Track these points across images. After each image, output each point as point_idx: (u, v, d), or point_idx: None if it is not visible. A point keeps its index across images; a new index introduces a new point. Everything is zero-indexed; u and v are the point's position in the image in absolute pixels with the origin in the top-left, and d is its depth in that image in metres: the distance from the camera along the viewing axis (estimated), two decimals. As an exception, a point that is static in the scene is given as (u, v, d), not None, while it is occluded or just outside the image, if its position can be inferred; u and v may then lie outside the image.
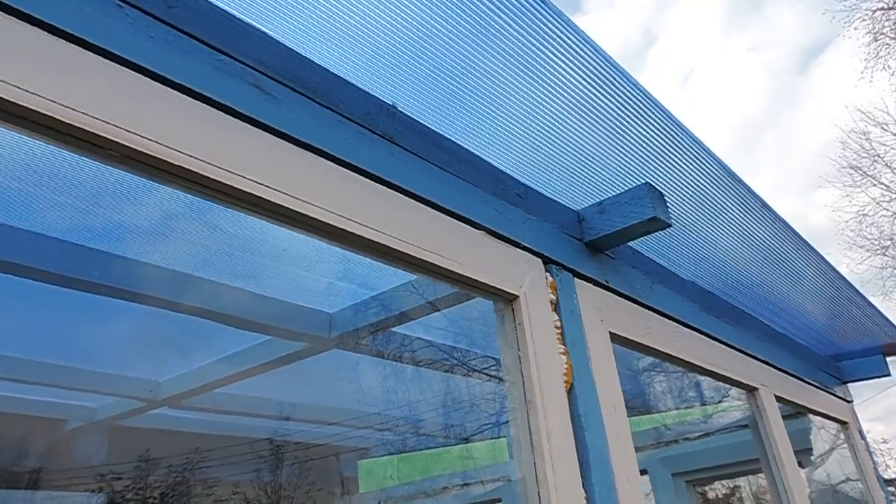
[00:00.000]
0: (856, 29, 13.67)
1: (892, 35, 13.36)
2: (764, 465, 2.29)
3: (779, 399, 2.53)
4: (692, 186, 1.89)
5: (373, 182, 1.18)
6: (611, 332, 1.62)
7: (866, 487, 2.99)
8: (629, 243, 1.94)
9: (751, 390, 2.33)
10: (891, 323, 3.03)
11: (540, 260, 1.49)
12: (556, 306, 1.47)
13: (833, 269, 2.57)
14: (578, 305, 1.54)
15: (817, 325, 3.06)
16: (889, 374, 3.20)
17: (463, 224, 1.34)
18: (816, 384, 2.94)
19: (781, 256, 2.41)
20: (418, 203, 1.25)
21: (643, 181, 1.65)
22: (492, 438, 4.82)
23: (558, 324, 1.44)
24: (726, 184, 1.91)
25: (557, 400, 1.31)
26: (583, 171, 1.76)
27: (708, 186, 1.90)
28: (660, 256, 2.14)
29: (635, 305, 1.80)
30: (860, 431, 3.17)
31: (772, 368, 2.52)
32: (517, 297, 1.36)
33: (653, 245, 2.10)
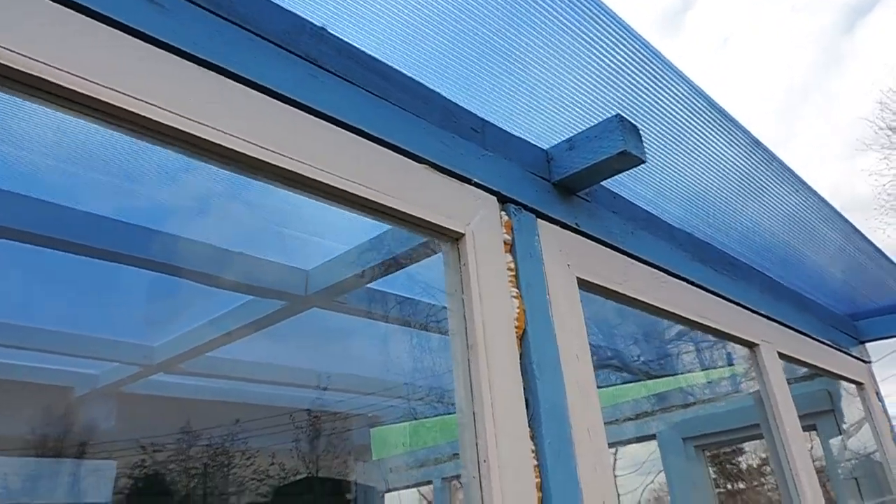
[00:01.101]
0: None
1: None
2: (764, 428, 2.16)
3: (784, 357, 2.38)
4: (677, 124, 1.74)
5: (291, 107, 1.08)
6: (579, 278, 1.50)
7: (882, 451, 2.84)
8: (609, 188, 1.81)
9: (750, 346, 2.18)
10: (912, 278, 2.84)
11: (495, 198, 1.37)
12: (511, 247, 1.35)
13: (845, 220, 2.39)
14: (540, 248, 1.42)
15: (831, 282, 2.88)
16: (909, 333, 3.01)
17: (402, 157, 1.22)
18: (829, 343, 2.77)
19: (785, 205, 2.24)
20: (347, 132, 1.14)
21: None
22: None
23: (512, 265, 1.32)
24: (715, 120, 1.76)
25: (504, 346, 1.21)
26: (553, 106, 1.63)
27: (694, 123, 1.75)
28: (647, 203, 1.99)
29: (612, 251, 1.67)
30: (877, 393, 3.00)
31: (775, 324, 2.37)
32: (462, 235, 1.25)
33: (639, 191, 1.96)
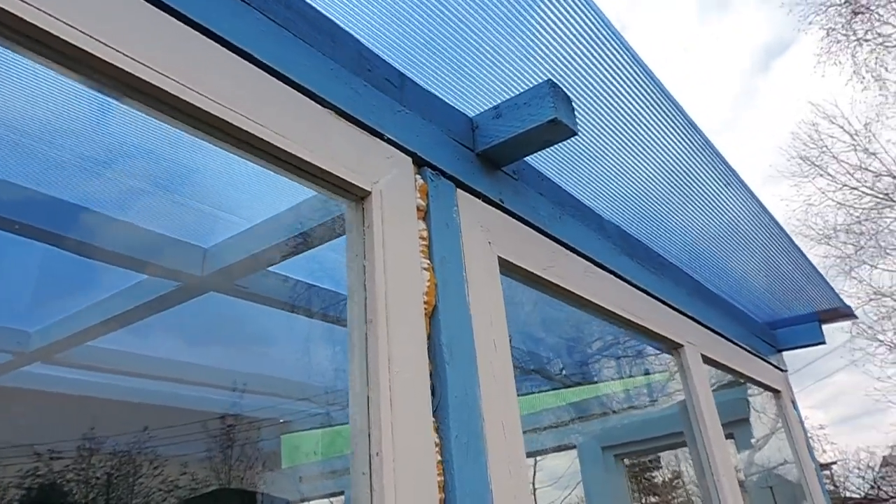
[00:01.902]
0: (810, 23, 13.76)
1: (843, 31, 13.49)
2: (686, 432, 2.08)
3: (708, 361, 2.32)
4: (615, 102, 1.64)
5: (177, 21, 0.88)
6: (500, 258, 1.35)
7: (797, 458, 2.84)
8: (539, 169, 1.68)
9: (675, 347, 2.10)
10: (829, 285, 2.87)
11: (410, 159, 1.21)
12: (425, 214, 1.19)
13: (772, 218, 2.37)
14: (459, 220, 1.26)
15: (755, 289, 2.88)
16: (824, 342, 3.05)
17: (303, 96, 1.04)
18: (750, 349, 2.75)
19: (719, 205, 2.19)
20: (238, 56, 0.95)
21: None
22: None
23: (425, 234, 1.16)
24: (656, 102, 1.66)
25: (410, 322, 1.04)
26: (481, 71, 1.48)
27: (631, 100, 1.64)
28: (577, 190, 1.88)
29: (538, 234, 1.54)
30: (793, 402, 3.01)
31: (700, 326, 2.31)
32: (369, 193, 1.08)
33: (570, 178, 1.84)
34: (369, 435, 0.92)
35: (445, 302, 1.12)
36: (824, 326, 3.10)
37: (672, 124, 1.69)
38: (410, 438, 0.94)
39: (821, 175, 14.05)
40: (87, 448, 4.98)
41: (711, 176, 1.94)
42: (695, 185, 1.97)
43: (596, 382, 3.73)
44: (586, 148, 1.78)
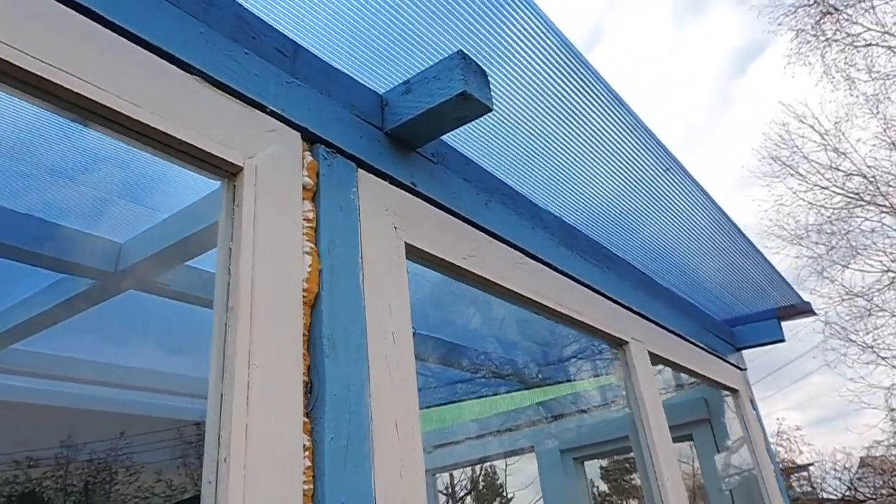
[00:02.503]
0: (780, 25, 13.87)
1: (812, 32, 13.63)
2: (630, 433, 1.99)
3: (658, 358, 2.24)
4: (544, 81, 1.54)
5: None
6: (410, 245, 1.25)
7: (755, 458, 2.77)
8: (465, 154, 1.58)
9: (619, 344, 2.01)
10: (786, 282, 2.81)
11: (299, 135, 1.10)
12: (314, 195, 1.08)
13: (724, 214, 2.30)
14: (357, 202, 1.16)
15: (710, 285, 2.80)
16: (783, 340, 2.98)
17: (163, 60, 0.93)
18: (705, 347, 2.68)
19: (668, 198, 2.11)
20: (73, 11, 0.84)
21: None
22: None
23: (311, 216, 1.05)
24: (587, 86, 1.57)
25: (281, 311, 0.93)
26: (395, 46, 1.38)
27: (566, 87, 1.55)
28: (513, 178, 1.79)
29: (459, 222, 1.44)
30: (752, 401, 2.94)
31: (649, 323, 2.23)
32: (241, 169, 0.97)
33: (504, 164, 1.75)
34: (219, 438, 0.80)
35: (331, 290, 1.02)
36: (785, 323, 3.04)
37: (600, 103, 1.60)
38: (270, 442, 0.83)
39: (791, 175, 14.17)
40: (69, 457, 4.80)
41: (651, 163, 1.85)
42: (636, 173, 1.89)
43: (556, 383, 3.64)
44: (519, 132, 1.69)
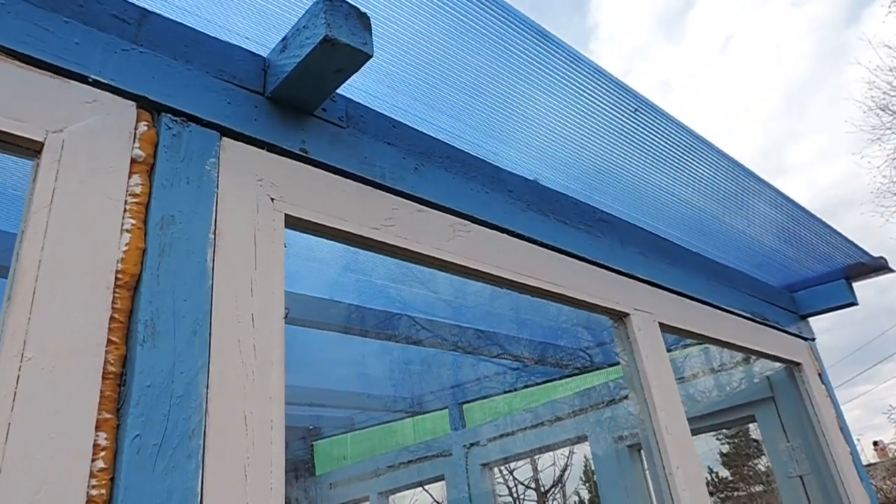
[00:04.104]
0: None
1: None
2: (638, 422, 1.75)
3: (675, 330, 1.97)
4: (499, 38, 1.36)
5: None
6: (291, 216, 1.12)
7: (824, 441, 2.40)
8: (393, 115, 1.43)
9: (619, 317, 1.78)
10: (849, 241, 2.41)
11: (134, 104, 1.00)
12: (150, 168, 0.98)
13: (746, 170, 1.98)
14: (216, 174, 1.04)
15: (759, 248, 2.46)
16: (855, 303, 2.58)
17: (-51, 37, 0.86)
18: (751, 316, 2.35)
19: (674, 155, 1.84)
20: None
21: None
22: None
23: (140, 190, 0.94)
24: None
25: (78, 296, 0.83)
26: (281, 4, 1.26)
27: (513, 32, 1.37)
28: (472, 141, 1.61)
29: (369, 189, 1.29)
30: (821, 374, 2.56)
31: (662, 291, 1.96)
32: (42, 145, 0.88)
33: (460, 127, 1.58)
34: (-27, 440, 0.71)
35: (158, 270, 0.91)
36: (855, 284, 2.62)
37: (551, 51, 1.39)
38: (42, 442, 0.73)
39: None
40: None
41: (659, 131, 1.61)
42: (626, 129, 1.65)
43: (609, 365, 3.38)
44: (478, 87, 1.52)
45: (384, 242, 1.25)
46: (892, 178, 12.99)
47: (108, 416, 0.80)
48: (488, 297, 3.17)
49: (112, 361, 0.83)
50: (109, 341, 0.83)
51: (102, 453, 0.78)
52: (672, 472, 1.59)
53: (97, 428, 0.78)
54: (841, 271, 2.56)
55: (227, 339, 0.94)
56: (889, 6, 13.44)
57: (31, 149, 0.88)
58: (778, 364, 2.65)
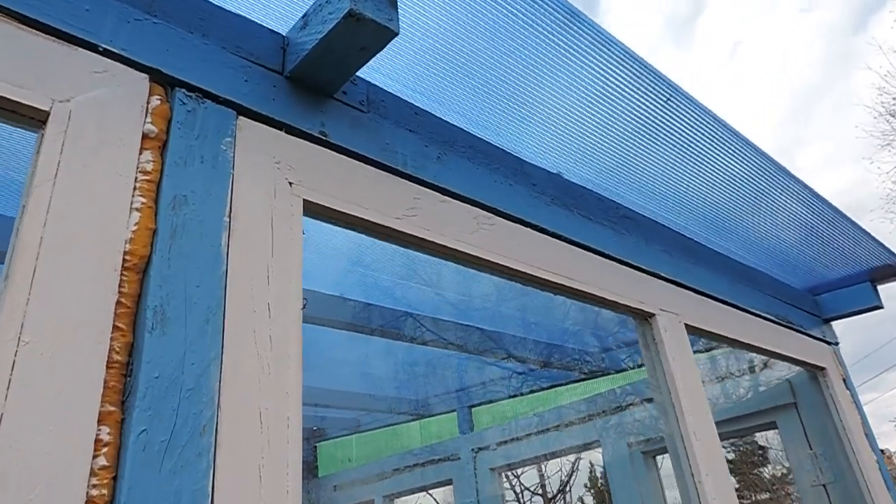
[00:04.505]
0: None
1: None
2: (664, 424, 1.67)
3: (701, 332, 1.90)
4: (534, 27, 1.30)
5: None
6: (309, 202, 1.05)
7: (851, 450, 2.32)
8: (417, 102, 1.37)
9: (644, 317, 1.71)
10: (876, 241, 2.34)
11: (146, 77, 0.94)
12: (162, 144, 0.91)
13: (778, 166, 1.91)
14: (232, 154, 0.98)
15: (783, 249, 2.39)
16: (881, 306, 2.50)
17: (-51, -1, 0.80)
18: (776, 319, 2.27)
19: (717, 163, 1.77)
20: None
21: None
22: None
23: (151, 167, 0.88)
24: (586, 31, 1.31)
25: (82, 278, 0.76)
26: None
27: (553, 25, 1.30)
28: (493, 133, 1.55)
29: (391, 177, 1.22)
30: (845, 380, 2.48)
31: (688, 291, 1.89)
32: (48, 115, 0.82)
33: (483, 118, 1.52)
34: (-34, 433, 0.65)
35: (170, 252, 0.84)
36: (881, 287, 2.55)
37: (591, 38, 1.32)
38: (36, 438, 0.67)
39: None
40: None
41: (695, 129, 1.54)
42: (654, 124, 1.58)
43: (624, 370, 3.30)
44: (499, 78, 1.45)
45: (406, 233, 1.18)
46: (903, 184, 12.79)
47: (112, 408, 0.73)
48: (497, 298, 3.10)
49: (118, 349, 0.76)
50: (115, 327, 0.77)
51: (105, 449, 0.71)
52: (701, 480, 1.52)
53: (100, 421, 0.72)
54: (866, 273, 2.49)
55: (241, 329, 0.87)
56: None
57: (35, 118, 0.82)
58: (797, 368, 2.57)
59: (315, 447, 5.12)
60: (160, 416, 0.75)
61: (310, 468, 5.09)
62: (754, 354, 2.99)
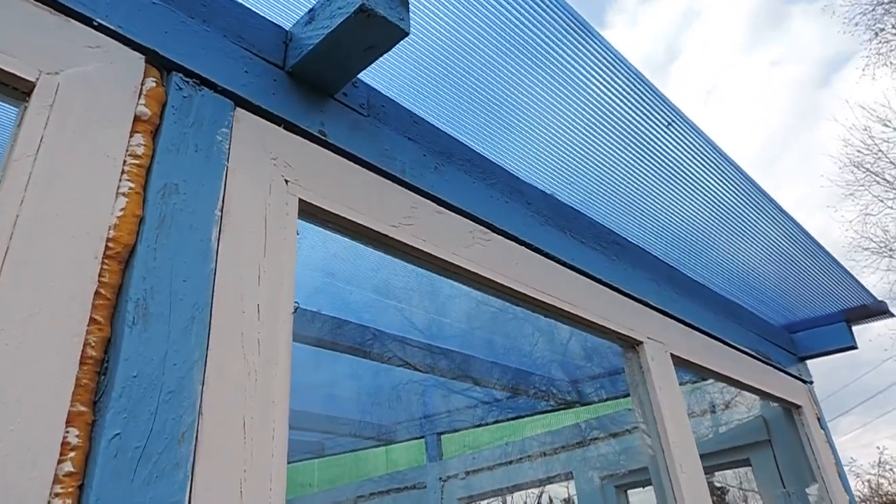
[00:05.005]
0: (856, 25, 12.92)
1: (893, 31, 12.61)
2: (649, 459, 1.63)
3: (686, 364, 1.87)
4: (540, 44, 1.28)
5: None
6: (305, 202, 1.00)
7: (823, 487, 2.31)
8: (417, 111, 1.33)
9: (632, 345, 1.68)
10: (855, 280, 2.37)
11: (142, 57, 0.88)
12: (155, 128, 0.85)
13: (768, 198, 1.93)
14: (228, 145, 0.92)
15: (761, 283, 2.40)
16: (855, 347, 2.52)
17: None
18: (756, 355, 2.27)
19: (697, 183, 1.77)
20: None
21: None
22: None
23: (141, 151, 0.82)
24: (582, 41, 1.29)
25: (58, 265, 0.69)
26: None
27: (563, 44, 1.28)
28: (492, 150, 1.52)
29: (389, 183, 1.18)
30: (820, 419, 2.48)
31: (674, 321, 1.87)
32: (33, 85, 0.75)
33: (479, 133, 1.49)
34: (-85, 427, 0.57)
35: (156, 243, 0.78)
36: (855, 328, 2.57)
37: (596, 55, 1.31)
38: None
39: (877, 182, 13.01)
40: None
41: (683, 150, 1.53)
42: (648, 145, 1.57)
43: (595, 402, 3.27)
44: (495, 92, 1.43)
45: (402, 242, 1.13)
46: (864, 232, 13.25)
47: (83, 409, 0.66)
48: (472, 322, 3.06)
49: (93, 344, 0.69)
50: (92, 320, 0.70)
51: (72, 454, 0.64)
52: (686, 515, 1.47)
53: (69, 422, 0.64)
54: (842, 313, 2.51)
55: (228, 330, 0.81)
56: (863, 69, 13.91)
57: (18, 89, 0.76)
58: (773, 404, 2.57)
59: (275, 470, 4.94)
60: (136, 419, 0.68)
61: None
62: (715, 394, 2.99)
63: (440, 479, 3.65)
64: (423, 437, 3.98)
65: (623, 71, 1.35)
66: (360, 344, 2.93)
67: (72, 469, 0.63)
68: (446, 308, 2.92)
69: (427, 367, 3.15)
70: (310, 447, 4.81)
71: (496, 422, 3.73)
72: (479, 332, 3.15)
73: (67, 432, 0.64)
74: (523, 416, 3.60)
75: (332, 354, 3.04)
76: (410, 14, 1.23)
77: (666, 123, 1.46)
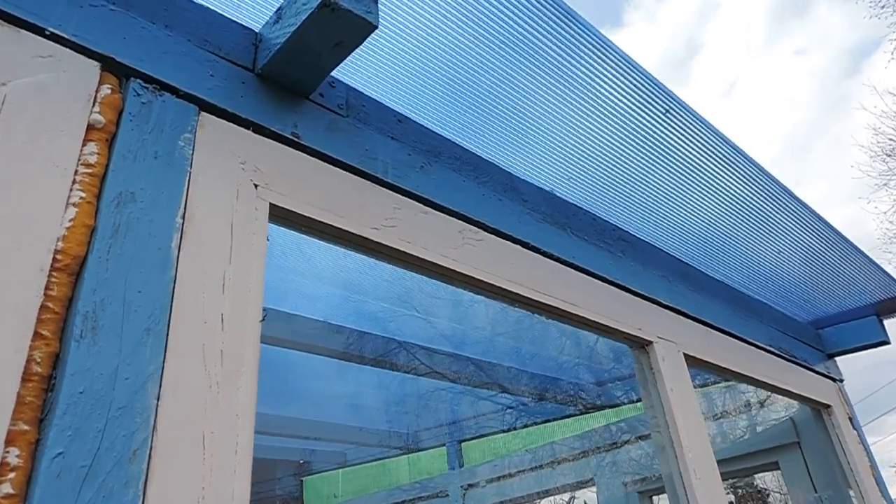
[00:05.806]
0: (883, 7, 12.51)
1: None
2: (661, 461, 1.56)
3: (703, 364, 1.80)
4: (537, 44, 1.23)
5: None
6: (276, 206, 0.97)
7: (858, 492, 2.19)
8: (400, 110, 1.29)
9: (641, 345, 1.61)
10: (885, 272, 2.26)
11: (97, 65, 0.86)
12: (111, 136, 0.83)
13: (787, 191, 1.84)
14: (190, 151, 0.90)
15: (785, 279, 2.30)
16: (887, 342, 2.40)
17: None
18: (781, 353, 2.18)
19: (714, 182, 1.70)
20: None
21: None
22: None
23: (95, 160, 0.79)
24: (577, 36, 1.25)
25: (2, 277, 0.67)
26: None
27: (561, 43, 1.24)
28: (484, 147, 1.47)
29: (369, 184, 1.14)
30: (851, 419, 2.37)
31: (687, 320, 1.80)
32: (-23, 98, 0.73)
33: (469, 129, 1.44)
34: None
35: (108, 253, 0.75)
36: (887, 321, 2.45)
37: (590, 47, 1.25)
38: (-70, 457, 0.57)
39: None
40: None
41: (693, 145, 1.47)
42: (652, 140, 1.51)
43: (615, 405, 3.18)
44: (486, 87, 1.38)
45: (384, 244, 1.09)
46: (897, 224, 12.78)
47: (26, 427, 0.63)
48: (492, 330, 3.01)
49: (39, 360, 0.67)
50: (38, 335, 0.67)
51: (11, 475, 0.61)
52: (702, 523, 1.40)
53: (8, 442, 0.62)
54: (872, 306, 2.39)
55: (188, 341, 0.77)
56: (892, 52, 13.45)
57: (-36, 103, 0.74)
58: (798, 404, 2.46)
59: (301, 482, 4.95)
60: (82, 437, 0.65)
61: (296, 503, 4.90)
62: (748, 393, 2.88)
63: (462, 487, 3.60)
64: (444, 444, 3.94)
65: (613, 57, 1.30)
66: (384, 354, 2.90)
67: (11, 490, 0.60)
68: (468, 315, 2.87)
69: (452, 375, 3.11)
70: (334, 457, 4.80)
71: (518, 428, 3.67)
72: (502, 339, 3.10)
73: (7, 452, 0.61)
74: (545, 422, 3.53)
75: (352, 366, 3.02)
76: (391, 13, 1.20)
77: (663, 111, 1.39)
